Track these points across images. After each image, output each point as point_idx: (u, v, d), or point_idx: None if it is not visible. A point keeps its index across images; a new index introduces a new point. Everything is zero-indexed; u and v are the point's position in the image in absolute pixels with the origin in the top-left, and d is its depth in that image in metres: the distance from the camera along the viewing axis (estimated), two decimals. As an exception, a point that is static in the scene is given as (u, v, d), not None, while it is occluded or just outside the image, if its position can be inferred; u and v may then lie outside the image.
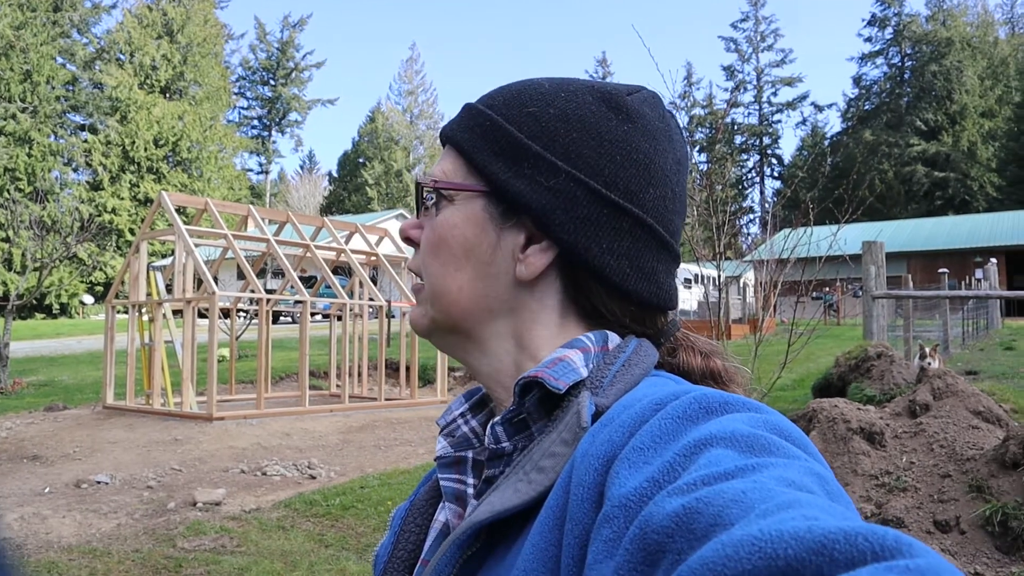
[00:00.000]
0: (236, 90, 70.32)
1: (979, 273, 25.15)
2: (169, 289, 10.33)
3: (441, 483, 0.72)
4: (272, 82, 72.97)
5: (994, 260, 25.25)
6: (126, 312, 10.45)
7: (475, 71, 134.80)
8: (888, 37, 67.91)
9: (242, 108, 73.05)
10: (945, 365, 7.91)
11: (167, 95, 55.21)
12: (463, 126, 0.75)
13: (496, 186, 0.72)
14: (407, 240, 0.78)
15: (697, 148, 67.64)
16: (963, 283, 23.87)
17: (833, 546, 0.33)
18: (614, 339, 0.72)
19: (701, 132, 67.66)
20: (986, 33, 64.76)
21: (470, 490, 0.71)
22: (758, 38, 72.95)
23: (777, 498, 0.40)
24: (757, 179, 75.02)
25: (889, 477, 3.71)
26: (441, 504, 0.74)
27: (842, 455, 3.88)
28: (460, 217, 0.73)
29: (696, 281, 28.80)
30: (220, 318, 10.74)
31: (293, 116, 74.84)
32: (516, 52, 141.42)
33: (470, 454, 0.72)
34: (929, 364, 6.97)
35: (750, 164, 74.68)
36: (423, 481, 0.82)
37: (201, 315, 10.75)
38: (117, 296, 10.80)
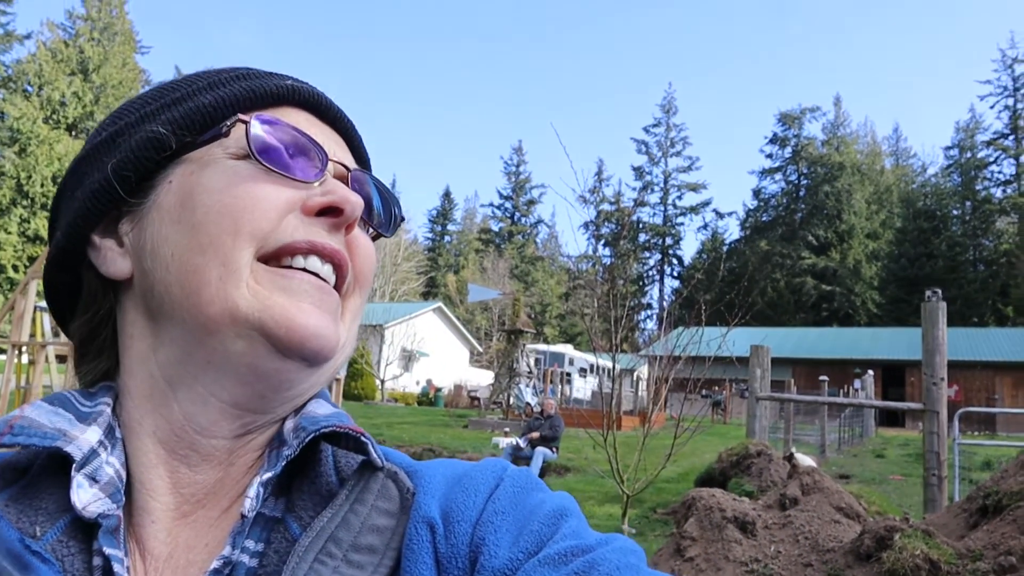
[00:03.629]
0: (147, 137, 68.70)
1: (857, 383, 26.39)
2: (56, 332, 9.93)
3: (116, 571, 0.47)
4: (186, 132, 71.74)
5: (871, 372, 26.64)
6: (3, 352, 9.96)
7: (410, 148, 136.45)
8: (787, 156, 72.43)
9: (151, 156, 71.41)
10: (821, 467, 8.34)
11: (73, 133, 53.48)
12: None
13: None
14: (351, 219, 0.56)
15: (603, 243, 69.81)
16: (842, 391, 25.05)
17: None
18: None
19: (608, 227, 69.91)
20: (874, 162, 70.02)
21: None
22: (668, 143, 76.52)
23: None
24: (657, 277, 77.67)
25: (758, 564, 3.95)
26: None
27: (716, 542, 4.10)
28: None
29: (591, 371, 29.27)
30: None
31: (204, 169, 73.58)
32: (446, 138, 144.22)
33: (120, 511, 0.50)
34: (793, 459, 7.36)
35: (652, 262, 77.39)
36: None
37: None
38: (-3, 335, 10.30)
